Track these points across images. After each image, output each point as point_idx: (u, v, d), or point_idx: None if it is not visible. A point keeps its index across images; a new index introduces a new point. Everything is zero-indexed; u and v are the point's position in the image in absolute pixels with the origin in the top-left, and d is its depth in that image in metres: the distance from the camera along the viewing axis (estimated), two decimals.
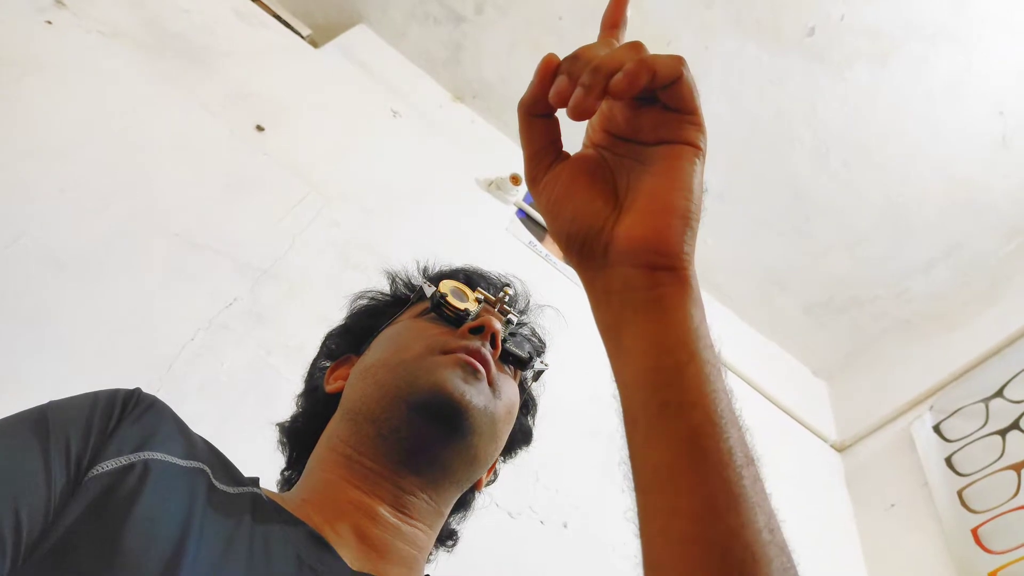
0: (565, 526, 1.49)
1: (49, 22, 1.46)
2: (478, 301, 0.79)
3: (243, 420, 1.16)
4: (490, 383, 0.70)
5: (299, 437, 0.82)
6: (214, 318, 1.27)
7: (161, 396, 0.62)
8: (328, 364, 0.85)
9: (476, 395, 0.67)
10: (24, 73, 1.36)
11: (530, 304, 0.93)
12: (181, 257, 1.31)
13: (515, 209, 2.15)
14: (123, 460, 0.52)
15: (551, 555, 1.43)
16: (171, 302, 1.24)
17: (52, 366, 1.06)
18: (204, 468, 0.57)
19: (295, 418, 0.85)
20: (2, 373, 1.01)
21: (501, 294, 0.82)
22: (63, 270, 1.16)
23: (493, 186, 2.13)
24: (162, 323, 1.21)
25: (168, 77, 1.59)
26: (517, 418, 0.78)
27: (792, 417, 2.28)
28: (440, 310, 0.77)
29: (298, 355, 1.30)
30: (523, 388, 0.84)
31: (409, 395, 0.66)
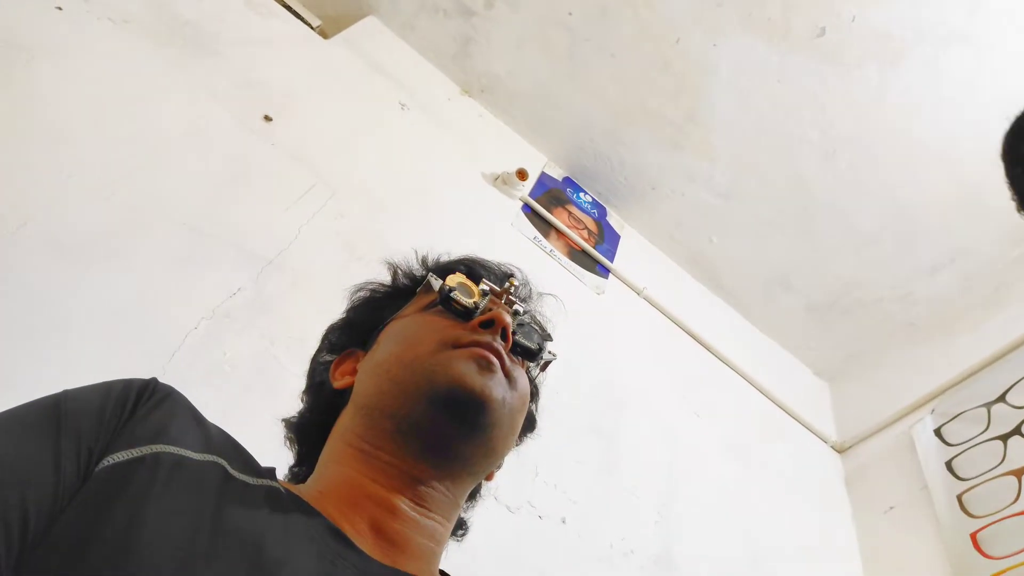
0: (564, 521, 1.49)
1: (59, 8, 1.47)
2: (483, 293, 0.79)
3: (245, 410, 1.16)
4: (506, 374, 0.70)
5: (307, 433, 0.82)
6: (218, 307, 1.27)
7: None
8: (330, 358, 0.85)
9: (495, 387, 0.67)
10: (33, 58, 1.36)
11: (532, 292, 0.94)
12: (186, 245, 1.32)
13: (520, 204, 2.15)
14: (135, 452, 0.51)
15: (549, 550, 1.44)
16: (175, 290, 1.25)
17: (55, 353, 1.06)
18: (219, 461, 0.57)
19: (302, 414, 0.85)
20: (4, 359, 1.01)
21: (507, 284, 0.82)
22: (67, 256, 1.16)
23: (499, 181, 2.13)
24: (165, 311, 1.21)
25: (177, 65, 1.59)
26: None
27: (793, 417, 2.28)
28: (448, 304, 0.76)
29: (301, 346, 1.30)
30: (528, 377, 0.84)
31: (428, 390, 0.66)
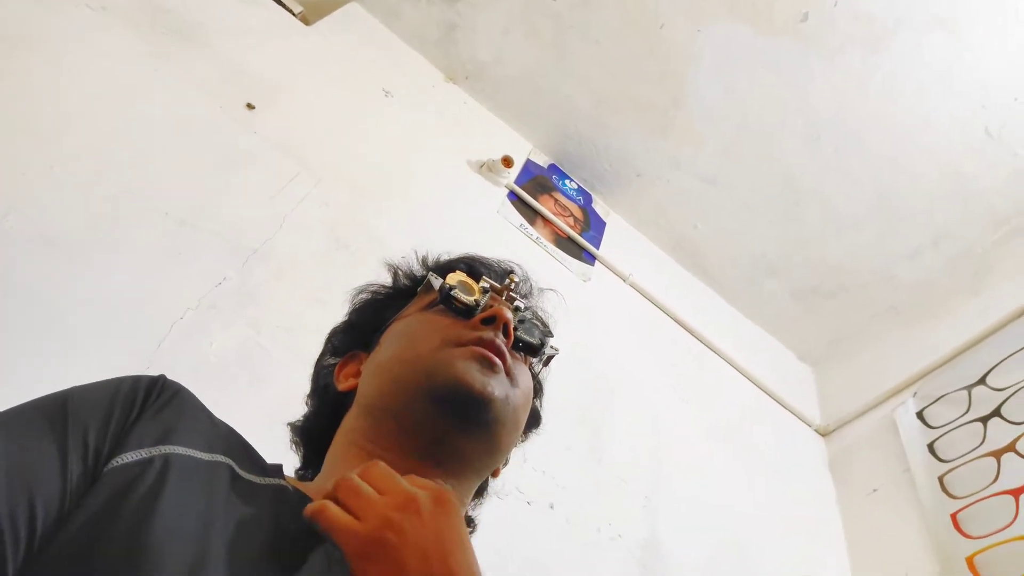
0: (552, 507, 1.50)
1: None
2: (484, 291, 0.79)
3: (232, 400, 1.16)
4: (507, 373, 0.71)
5: (313, 436, 0.82)
6: (203, 297, 1.26)
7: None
8: (334, 361, 0.85)
9: (497, 386, 0.68)
10: (13, 49, 1.34)
11: (532, 288, 0.94)
12: (170, 236, 1.31)
13: (506, 191, 2.14)
14: (143, 453, 0.51)
15: (538, 535, 1.45)
16: (160, 281, 1.24)
17: (41, 344, 1.05)
18: (227, 461, 0.57)
19: (307, 418, 0.85)
20: None
21: (507, 281, 0.82)
22: (52, 248, 1.15)
23: (485, 168, 2.12)
24: (151, 302, 1.20)
25: (159, 54, 1.57)
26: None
27: (777, 401, 2.30)
28: (449, 302, 0.77)
29: (287, 335, 1.30)
30: (532, 373, 0.84)
31: (429, 389, 0.66)
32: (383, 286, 0.91)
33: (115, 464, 0.50)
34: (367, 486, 0.53)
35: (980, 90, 1.97)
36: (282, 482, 0.61)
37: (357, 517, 0.50)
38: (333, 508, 0.51)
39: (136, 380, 0.58)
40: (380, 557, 0.48)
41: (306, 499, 0.61)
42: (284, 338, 1.30)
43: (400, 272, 0.91)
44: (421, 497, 0.52)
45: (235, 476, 0.56)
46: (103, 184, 1.28)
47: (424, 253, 0.92)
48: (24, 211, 1.16)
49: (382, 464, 0.56)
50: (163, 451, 0.52)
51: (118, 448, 0.51)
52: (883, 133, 2.10)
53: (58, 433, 0.50)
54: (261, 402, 1.11)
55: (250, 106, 1.63)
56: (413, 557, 0.48)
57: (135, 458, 0.51)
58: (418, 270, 0.90)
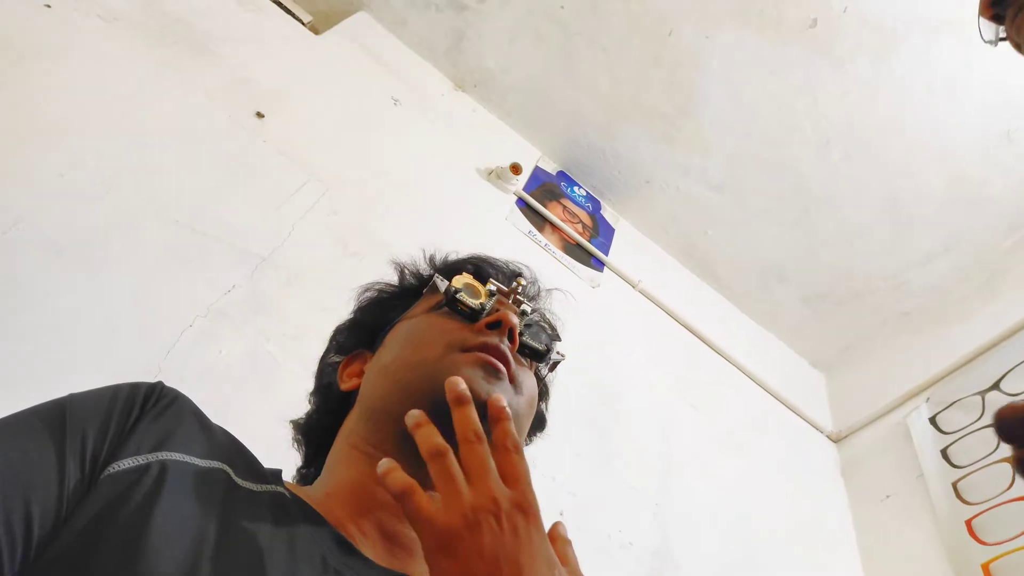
0: (562, 514, 1.49)
1: (48, 6, 1.46)
2: (491, 294, 0.78)
3: (241, 407, 1.16)
4: (511, 379, 0.70)
5: (315, 435, 0.82)
6: (212, 305, 1.27)
7: None
8: (338, 359, 0.84)
9: (500, 394, 0.67)
10: (22, 57, 1.35)
11: (540, 290, 0.93)
12: (180, 244, 1.31)
13: (515, 198, 2.15)
14: (140, 460, 0.51)
15: None
16: (169, 289, 1.24)
17: (50, 352, 1.06)
18: (224, 467, 0.57)
19: (310, 416, 0.85)
20: (0, 359, 1.01)
21: (514, 284, 0.81)
22: (61, 256, 1.16)
23: (493, 175, 2.13)
24: (160, 310, 1.21)
25: (168, 62, 1.58)
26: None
27: (789, 408, 2.29)
28: (455, 305, 0.76)
29: (296, 342, 1.30)
30: (538, 377, 0.83)
31: (432, 395, 0.65)
32: (389, 285, 0.90)
33: (112, 470, 0.50)
34: (460, 473, 0.53)
35: (991, 95, 1.96)
36: (279, 489, 0.60)
37: (443, 504, 0.51)
38: (420, 496, 0.51)
39: (134, 387, 0.58)
40: (454, 555, 0.49)
41: (304, 505, 0.61)
42: (293, 346, 1.30)
43: (407, 271, 0.90)
44: (503, 502, 0.53)
45: (232, 483, 0.56)
46: (112, 192, 1.29)
47: (431, 252, 0.91)
48: (33, 219, 1.16)
49: (487, 446, 0.56)
50: (160, 457, 0.52)
51: (115, 454, 0.51)
52: (893, 138, 2.09)
53: (56, 439, 0.50)
54: (270, 409, 1.11)
55: (259, 115, 1.64)
56: (482, 567, 0.48)
57: (132, 464, 0.51)
58: (425, 269, 0.89)
